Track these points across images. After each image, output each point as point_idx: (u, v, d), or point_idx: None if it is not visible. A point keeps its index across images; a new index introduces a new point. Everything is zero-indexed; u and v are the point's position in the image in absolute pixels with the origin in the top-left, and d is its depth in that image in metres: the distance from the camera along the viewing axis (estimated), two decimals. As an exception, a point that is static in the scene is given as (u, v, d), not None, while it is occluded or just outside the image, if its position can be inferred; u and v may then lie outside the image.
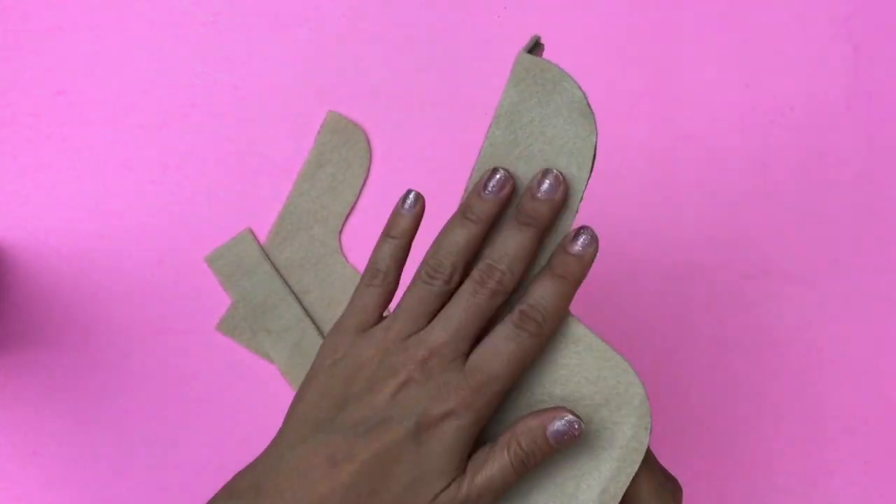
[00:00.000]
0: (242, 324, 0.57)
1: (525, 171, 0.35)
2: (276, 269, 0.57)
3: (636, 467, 0.35)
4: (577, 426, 0.33)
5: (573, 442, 0.33)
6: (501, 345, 0.33)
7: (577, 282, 0.34)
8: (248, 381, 0.57)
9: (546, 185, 0.34)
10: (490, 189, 0.34)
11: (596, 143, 0.35)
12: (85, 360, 0.57)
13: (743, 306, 0.59)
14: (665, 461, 0.59)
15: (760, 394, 0.58)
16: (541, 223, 0.34)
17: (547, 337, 0.33)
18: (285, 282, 0.57)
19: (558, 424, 0.32)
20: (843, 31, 0.60)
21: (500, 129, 0.35)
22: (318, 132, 0.58)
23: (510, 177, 0.34)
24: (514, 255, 0.33)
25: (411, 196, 0.36)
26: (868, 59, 0.60)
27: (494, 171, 0.34)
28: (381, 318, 0.35)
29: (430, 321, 0.34)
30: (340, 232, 0.58)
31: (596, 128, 0.35)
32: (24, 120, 0.58)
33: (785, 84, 0.60)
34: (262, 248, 0.57)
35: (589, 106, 0.35)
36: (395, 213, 0.37)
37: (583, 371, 0.35)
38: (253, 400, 0.57)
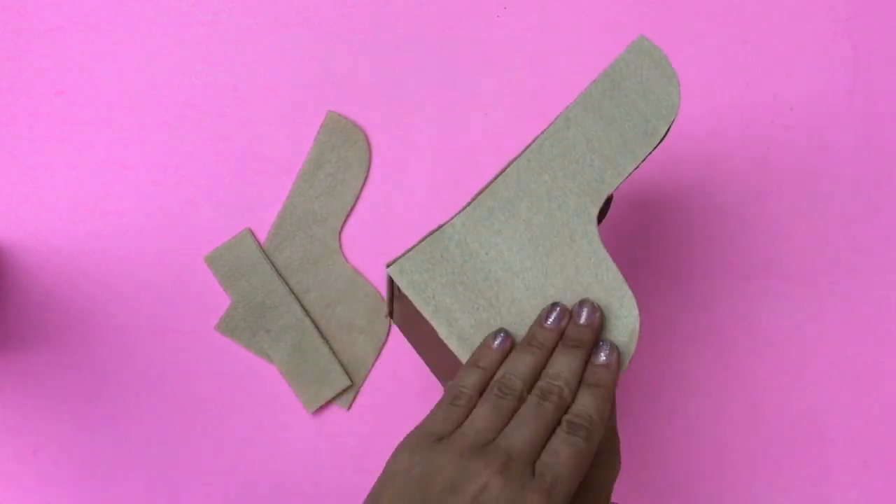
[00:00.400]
0: (242, 324, 0.57)
1: (607, 122, 0.44)
2: (276, 269, 0.57)
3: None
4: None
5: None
6: (561, 451, 0.36)
7: (610, 385, 0.39)
8: (247, 381, 0.57)
9: (586, 313, 0.41)
10: (551, 322, 0.41)
11: (672, 122, 0.43)
12: (85, 360, 0.57)
13: (743, 306, 0.59)
14: (665, 461, 0.59)
15: (760, 394, 0.58)
16: (586, 345, 0.40)
17: (598, 437, 0.38)
18: (285, 282, 0.57)
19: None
20: (843, 31, 0.60)
21: (602, 85, 0.44)
22: (318, 132, 0.58)
23: (566, 310, 0.41)
24: (568, 373, 0.39)
25: (501, 335, 0.41)
26: (868, 59, 0.60)
27: (554, 305, 0.41)
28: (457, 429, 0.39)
29: (499, 432, 0.38)
30: (340, 232, 0.58)
31: (677, 112, 0.44)
32: (24, 120, 0.58)
33: (785, 84, 0.60)
34: (261, 248, 0.57)
35: (678, 95, 0.44)
36: (487, 346, 0.41)
37: (592, 292, 0.42)
38: (253, 400, 0.57)
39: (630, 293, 0.41)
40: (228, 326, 0.57)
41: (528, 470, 0.35)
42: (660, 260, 0.59)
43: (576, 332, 0.40)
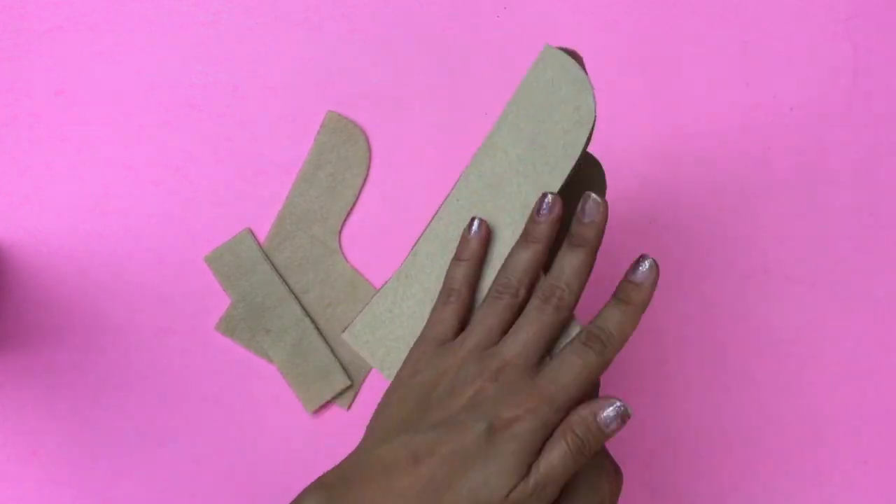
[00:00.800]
0: (242, 324, 0.57)
1: (528, 142, 0.41)
2: (276, 269, 0.57)
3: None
4: (624, 410, 0.36)
5: (623, 425, 0.36)
6: (569, 359, 0.36)
7: (641, 306, 0.37)
8: (247, 381, 0.57)
9: (588, 208, 0.38)
10: (542, 213, 0.39)
11: (592, 129, 0.40)
12: (85, 360, 0.57)
13: (743, 306, 0.59)
14: (664, 461, 0.59)
15: (760, 394, 0.58)
16: (590, 243, 0.38)
17: (612, 356, 0.37)
18: (285, 282, 0.57)
19: (609, 411, 0.36)
20: (843, 31, 0.60)
21: (517, 105, 0.42)
22: (318, 132, 0.58)
23: (558, 198, 0.39)
24: (570, 273, 0.38)
25: (476, 223, 0.41)
26: (868, 59, 0.60)
27: (544, 196, 0.39)
28: (458, 331, 0.39)
29: (502, 333, 0.38)
30: (340, 232, 0.58)
31: (594, 119, 0.40)
32: (24, 120, 0.58)
33: (785, 84, 0.60)
34: (261, 248, 0.57)
35: (592, 101, 0.40)
36: (464, 238, 0.41)
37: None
38: (253, 400, 0.57)
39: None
40: (228, 326, 0.57)
41: (526, 374, 0.36)
42: (660, 260, 0.59)
43: (579, 231, 0.38)
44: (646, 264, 0.38)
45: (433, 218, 0.43)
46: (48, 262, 0.57)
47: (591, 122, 0.40)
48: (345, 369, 0.57)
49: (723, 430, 0.58)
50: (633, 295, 0.37)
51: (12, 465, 0.56)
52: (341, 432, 0.57)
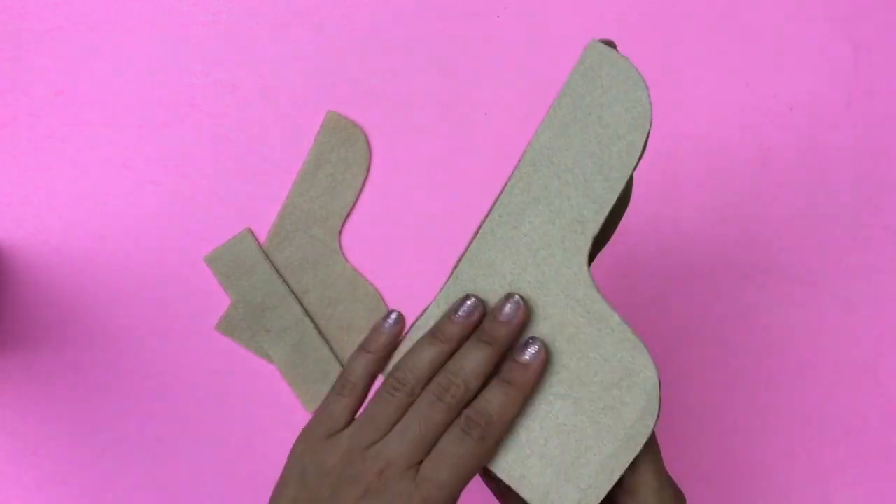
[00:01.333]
0: (242, 324, 0.57)
1: (577, 149, 0.37)
2: (276, 269, 0.57)
3: (638, 450, 0.35)
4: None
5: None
6: (448, 450, 0.35)
7: (525, 388, 0.36)
8: (247, 381, 0.57)
9: (507, 308, 0.37)
10: (461, 314, 0.37)
11: (649, 132, 0.37)
12: (85, 360, 0.57)
13: (743, 306, 0.59)
14: (665, 461, 0.59)
15: (760, 394, 0.58)
16: (499, 343, 0.36)
17: (494, 441, 0.35)
18: (285, 282, 0.57)
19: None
20: (843, 31, 0.60)
21: (563, 108, 0.38)
22: (318, 132, 0.58)
23: (480, 303, 0.37)
24: (470, 370, 0.36)
25: (393, 316, 0.39)
26: (868, 59, 0.60)
27: (466, 297, 0.37)
28: (348, 423, 0.38)
29: (390, 427, 0.36)
30: (340, 232, 0.58)
31: (650, 120, 0.37)
32: (24, 120, 0.58)
33: (785, 84, 0.60)
34: (261, 248, 0.57)
35: (648, 99, 0.37)
36: (375, 329, 0.39)
37: (600, 349, 0.37)
38: (252, 400, 0.57)
39: (641, 344, 0.36)
40: (228, 326, 0.57)
41: (407, 475, 0.35)
42: (659, 260, 0.59)
43: (490, 327, 0.36)
44: (535, 346, 0.36)
45: (475, 236, 0.39)
46: (48, 262, 0.57)
47: (648, 124, 0.36)
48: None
49: (723, 430, 0.58)
50: (517, 375, 0.36)
51: (12, 465, 0.56)
52: (341, 432, 0.57)
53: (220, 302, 0.57)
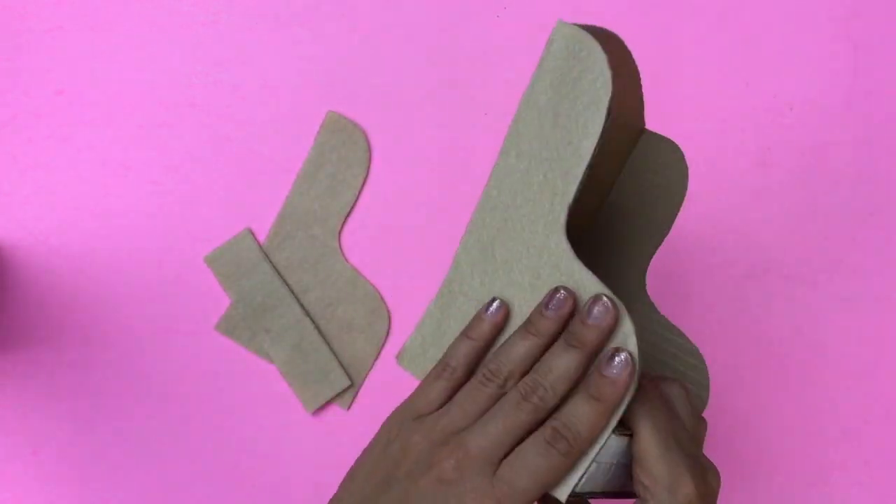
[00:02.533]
0: (242, 324, 0.57)
1: (550, 125, 0.38)
2: (276, 269, 0.57)
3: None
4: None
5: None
6: (529, 458, 0.34)
7: (613, 405, 0.35)
8: (247, 381, 0.57)
9: (596, 311, 0.36)
10: (551, 308, 0.37)
11: (611, 98, 0.36)
12: (85, 360, 0.57)
13: (743, 306, 0.59)
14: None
15: (760, 394, 0.58)
16: (588, 347, 0.36)
17: (577, 456, 0.35)
18: (285, 282, 0.57)
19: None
20: (843, 31, 0.60)
21: (536, 91, 0.39)
22: (318, 132, 0.58)
23: (570, 295, 0.37)
24: (557, 374, 0.35)
25: (495, 304, 0.39)
26: (868, 59, 0.60)
27: (556, 290, 0.37)
28: (441, 406, 0.38)
29: (478, 418, 0.36)
30: (340, 232, 0.58)
31: (611, 88, 0.36)
32: (24, 120, 0.58)
33: (785, 84, 0.60)
34: (261, 247, 0.57)
35: (608, 67, 0.37)
36: (477, 317, 0.39)
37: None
38: (253, 400, 0.57)
39: (622, 307, 0.36)
40: (228, 326, 0.57)
41: (485, 469, 0.35)
42: (660, 260, 0.59)
43: (578, 331, 0.36)
44: (621, 357, 0.35)
45: (469, 224, 0.40)
46: (48, 262, 0.57)
47: (608, 94, 0.36)
48: (345, 369, 0.57)
49: (722, 430, 0.58)
50: (606, 392, 0.35)
51: (12, 465, 0.56)
52: (341, 432, 0.57)
53: (220, 302, 0.57)
